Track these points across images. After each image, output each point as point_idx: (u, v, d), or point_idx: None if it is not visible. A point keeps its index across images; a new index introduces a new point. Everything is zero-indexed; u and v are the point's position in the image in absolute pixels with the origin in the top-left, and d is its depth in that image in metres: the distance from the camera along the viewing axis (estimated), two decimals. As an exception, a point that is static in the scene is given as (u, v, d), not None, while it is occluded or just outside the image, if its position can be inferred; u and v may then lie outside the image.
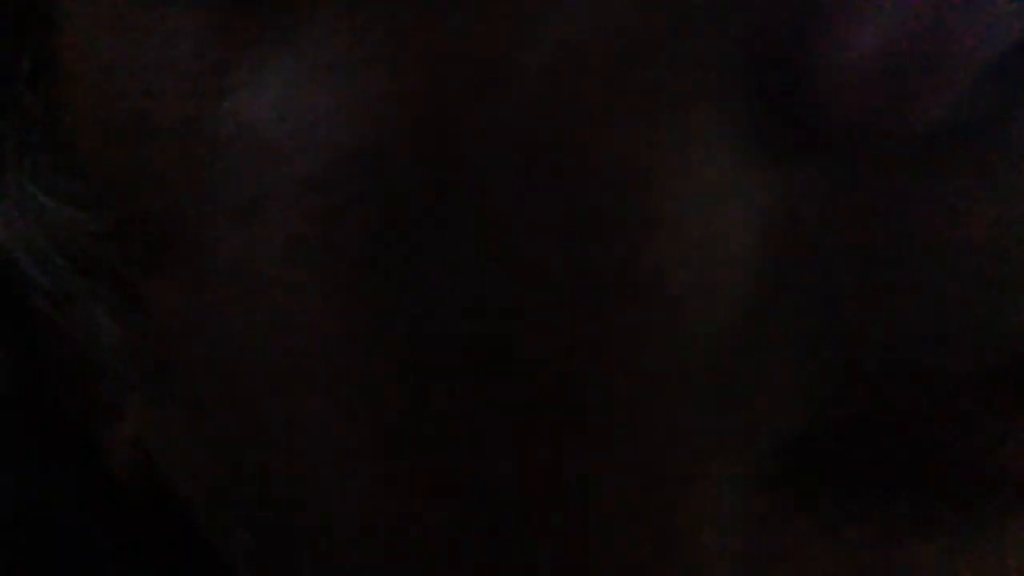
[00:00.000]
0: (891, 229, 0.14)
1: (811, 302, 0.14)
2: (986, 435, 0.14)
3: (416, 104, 0.14)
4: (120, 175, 0.15)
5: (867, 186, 0.14)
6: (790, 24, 0.14)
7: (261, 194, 0.14)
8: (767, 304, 0.14)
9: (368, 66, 0.14)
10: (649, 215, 0.14)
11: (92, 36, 0.15)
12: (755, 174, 0.14)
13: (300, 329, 0.15)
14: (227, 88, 0.14)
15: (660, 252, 0.14)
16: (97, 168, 0.16)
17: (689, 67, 0.14)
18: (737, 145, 0.14)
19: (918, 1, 0.13)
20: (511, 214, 0.14)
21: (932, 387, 0.14)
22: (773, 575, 0.14)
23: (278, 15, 0.14)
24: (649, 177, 0.14)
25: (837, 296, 0.14)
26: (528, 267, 0.14)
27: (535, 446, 0.14)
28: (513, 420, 0.14)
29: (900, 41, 0.13)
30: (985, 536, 0.14)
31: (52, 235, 0.16)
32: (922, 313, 0.14)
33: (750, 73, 0.14)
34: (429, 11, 0.14)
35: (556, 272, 0.14)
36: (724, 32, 0.14)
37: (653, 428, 0.14)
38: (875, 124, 0.14)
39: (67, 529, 0.21)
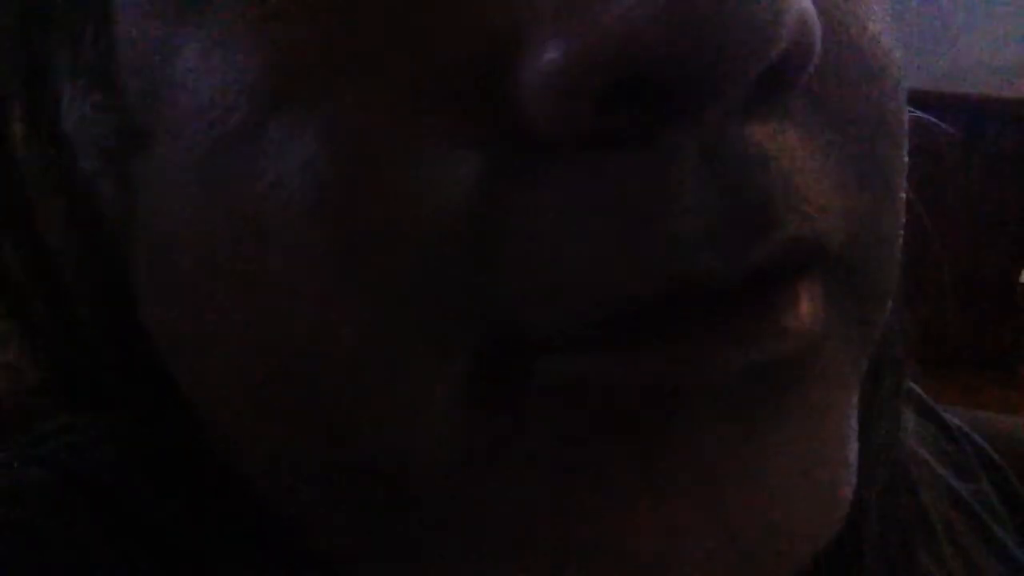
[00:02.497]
0: (557, 203, 0.17)
1: (491, 251, 0.17)
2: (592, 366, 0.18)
3: None
4: (126, 94, 0.20)
5: (548, 170, 0.17)
6: (498, 46, 0.17)
7: (173, 117, 0.19)
8: (460, 245, 0.17)
9: None
10: None
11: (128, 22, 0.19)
12: (460, 158, 0.17)
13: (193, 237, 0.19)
14: (178, 45, 0.18)
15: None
16: (119, 89, 0.20)
17: None
18: (444, 139, 0.17)
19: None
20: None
21: (545, 337, 0.18)
22: (477, 468, 0.18)
23: None
24: None
25: (495, 265, 0.17)
26: None
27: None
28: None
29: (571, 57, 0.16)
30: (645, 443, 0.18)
31: (86, 132, 0.21)
32: (536, 279, 0.17)
33: (464, 85, 0.17)
34: None
35: None
36: None
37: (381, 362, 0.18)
38: (553, 125, 0.16)
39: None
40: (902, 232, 0.22)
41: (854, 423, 0.21)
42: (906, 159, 0.21)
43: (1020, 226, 2.48)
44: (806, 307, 0.19)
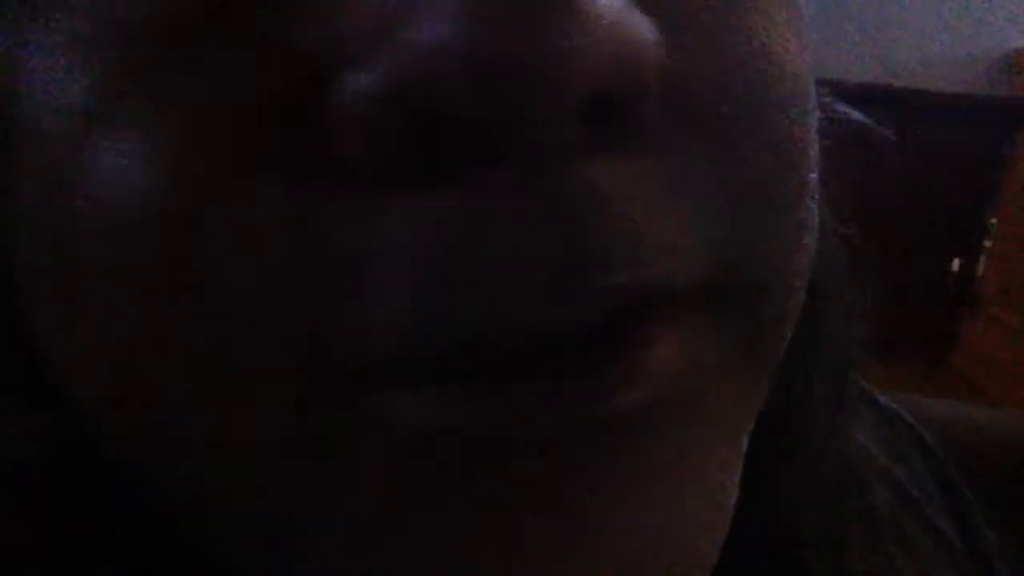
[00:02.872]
0: (371, 238, 0.16)
1: (312, 281, 0.16)
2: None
3: None
4: None
5: (358, 204, 0.16)
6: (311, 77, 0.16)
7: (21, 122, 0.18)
8: (281, 274, 0.16)
9: None
10: None
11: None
12: (277, 178, 0.16)
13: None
14: (25, 43, 0.18)
15: None
16: None
17: None
18: (262, 173, 0.16)
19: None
20: None
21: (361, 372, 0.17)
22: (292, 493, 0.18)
23: None
24: None
25: (314, 303, 0.17)
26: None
27: None
28: None
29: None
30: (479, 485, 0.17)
31: None
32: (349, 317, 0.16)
33: (276, 113, 0.16)
34: None
35: None
36: None
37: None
38: (360, 159, 0.16)
39: None
40: (804, 250, 0.20)
41: (734, 465, 0.20)
42: (807, 174, 0.20)
43: (953, 218, 2.53)
44: (660, 350, 0.17)
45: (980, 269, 2.61)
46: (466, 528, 0.17)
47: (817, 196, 0.21)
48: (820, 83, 0.22)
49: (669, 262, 0.17)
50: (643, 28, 0.16)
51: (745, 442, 0.20)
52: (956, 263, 2.60)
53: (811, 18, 0.21)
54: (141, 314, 0.17)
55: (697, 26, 0.18)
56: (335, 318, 0.16)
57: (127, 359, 0.18)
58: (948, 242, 2.57)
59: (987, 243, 2.60)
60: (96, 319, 0.18)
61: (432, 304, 0.16)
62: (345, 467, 0.17)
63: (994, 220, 2.56)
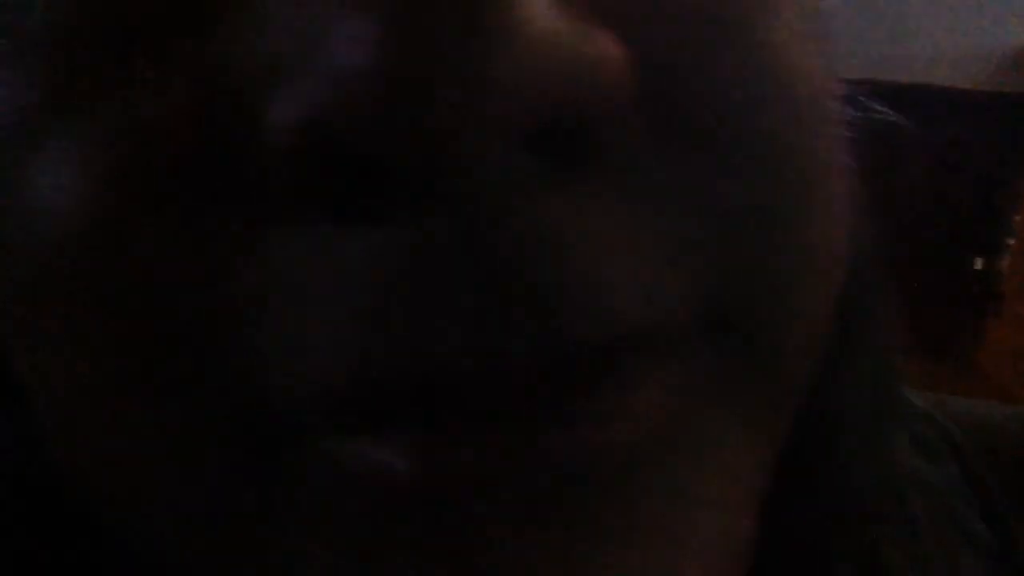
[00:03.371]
0: (298, 277, 0.15)
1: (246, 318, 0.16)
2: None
3: None
4: None
5: (284, 240, 0.16)
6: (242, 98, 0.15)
7: None
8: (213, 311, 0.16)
9: None
10: None
11: None
12: (201, 205, 0.16)
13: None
14: None
15: None
16: None
17: None
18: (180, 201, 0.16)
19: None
20: None
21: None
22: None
23: None
24: None
25: (242, 341, 0.16)
26: None
27: None
28: None
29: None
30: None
31: None
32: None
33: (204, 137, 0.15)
34: None
35: None
36: None
37: None
38: (281, 198, 0.15)
39: None
40: (822, 273, 0.19)
41: (742, 504, 0.18)
42: (823, 188, 0.18)
43: (974, 215, 2.50)
44: (642, 391, 0.16)
45: (1004, 267, 2.59)
46: None
47: (842, 208, 0.19)
48: (843, 80, 0.20)
49: (640, 304, 0.15)
50: (598, 46, 0.14)
51: (761, 478, 0.19)
52: (979, 262, 2.57)
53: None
54: (71, 337, 0.17)
55: (679, 31, 0.16)
56: (259, 357, 0.16)
57: (62, 382, 0.18)
58: (971, 241, 2.54)
59: (1010, 241, 2.58)
60: (36, 339, 0.18)
61: (357, 347, 0.15)
62: (289, 513, 0.17)
63: (1018, 218, 2.54)
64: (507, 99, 0.14)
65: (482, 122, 0.14)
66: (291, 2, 0.15)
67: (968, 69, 2.52)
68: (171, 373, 0.16)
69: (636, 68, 0.15)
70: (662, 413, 0.16)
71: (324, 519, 0.16)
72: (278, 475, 0.16)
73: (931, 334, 2.35)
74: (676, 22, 0.16)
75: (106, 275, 0.16)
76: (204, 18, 0.15)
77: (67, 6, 0.16)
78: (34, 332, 0.18)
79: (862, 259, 0.27)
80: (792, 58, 0.17)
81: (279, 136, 0.15)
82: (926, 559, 0.30)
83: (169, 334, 0.16)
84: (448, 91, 0.13)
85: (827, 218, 0.18)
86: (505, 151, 0.14)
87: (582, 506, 0.16)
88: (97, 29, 0.16)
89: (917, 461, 0.33)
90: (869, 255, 0.28)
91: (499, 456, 0.15)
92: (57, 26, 0.16)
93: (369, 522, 0.16)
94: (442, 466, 0.15)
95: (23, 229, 0.17)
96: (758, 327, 0.17)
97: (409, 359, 0.15)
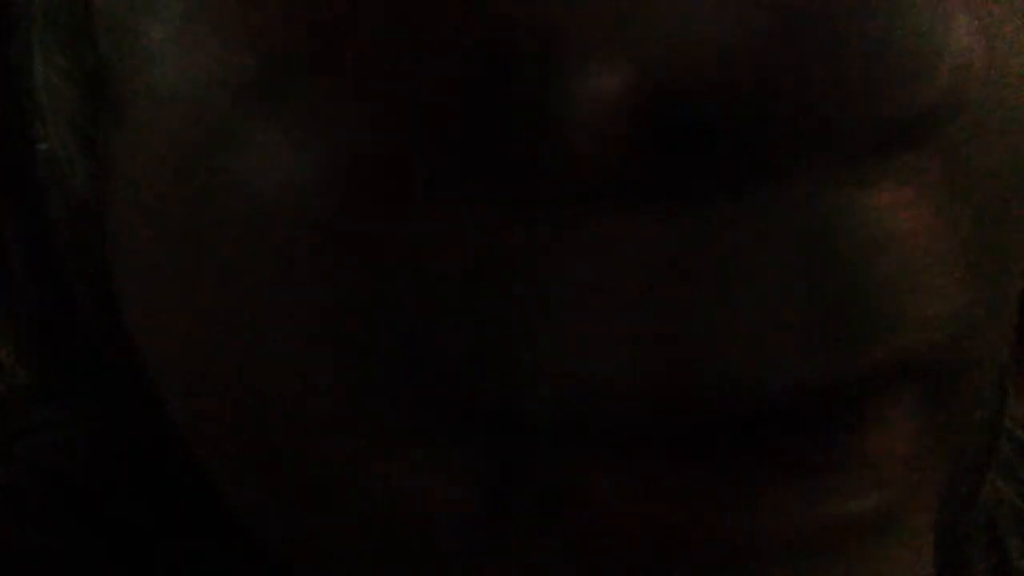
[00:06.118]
0: (590, 278, 0.13)
1: (510, 324, 0.14)
2: None
3: None
4: (97, 55, 0.17)
5: (583, 232, 0.13)
6: (529, 65, 0.13)
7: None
8: (474, 313, 0.14)
9: None
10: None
11: None
12: (470, 187, 0.14)
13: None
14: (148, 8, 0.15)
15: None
16: (90, 47, 0.17)
17: None
18: (455, 188, 0.14)
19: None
20: None
21: None
22: None
23: None
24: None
25: (509, 348, 0.14)
26: None
27: None
28: None
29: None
30: None
31: (58, 107, 0.18)
32: None
33: (482, 105, 0.13)
34: None
35: None
36: None
37: None
38: (591, 172, 0.13)
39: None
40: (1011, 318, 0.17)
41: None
42: None
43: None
44: (898, 436, 0.14)
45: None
46: None
47: None
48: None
49: (930, 328, 0.14)
50: (973, 32, 0.13)
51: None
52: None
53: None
54: (283, 348, 0.15)
55: (997, 25, 0.14)
56: (527, 369, 0.14)
57: (255, 399, 0.16)
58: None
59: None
60: (223, 347, 0.16)
61: (646, 360, 0.13)
62: (532, 548, 0.15)
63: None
64: (900, 95, 0.12)
65: (851, 115, 0.12)
66: None
67: None
68: (421, 391, 0.14)
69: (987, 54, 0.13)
70: (903, 462, 0.15)
71: (571, 555, 0.15)
72: (526, 504, 0.15)
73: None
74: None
75: (346, 267, 0.14)
76: None
77: None
78: (240, 337, 0.16)
79: None
80: None
81: (590, 106, 0.12)
82: None
83: (425, 339, 0.14)
84: (843, 78, 0.12)
85: None
86: (861, 136, 0.13)
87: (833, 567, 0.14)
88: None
89: (1007, 490, 0.31)
90: None
91: (772, 506, 0.14)
92: None
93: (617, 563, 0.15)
94: (721, 512, 0.14)
95: (246, 212, 0.15)
96: (969, 373, 0.16)
97: (687, 377, 0.13)
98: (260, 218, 0.14)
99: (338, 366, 0.14)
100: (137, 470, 0.22)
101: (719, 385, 0.13)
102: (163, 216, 0.16)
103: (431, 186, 0.14)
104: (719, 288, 0.13)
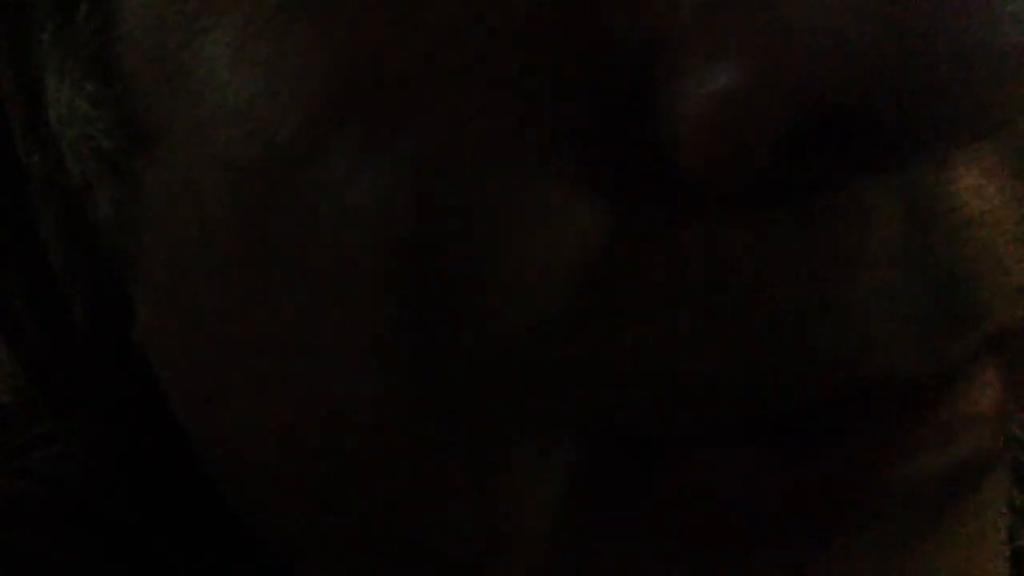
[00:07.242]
0: (698, 276, 0.14)
1: (609, 328, 0.14)
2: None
3: None
4: (129, 84, 0.16)
5: (689, 230, 0.13)
6: (636, 63, 0.13)
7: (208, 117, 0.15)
8: (572, 316, 0.14)
9: None
10: (476, 232, 0.14)
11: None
12: (582, 205, 0.14)
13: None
14: (204, 28, 0.15)
15: (485, 261, 0.14)
16: (119, 77, 0.17)
17: (511, 104, 0.13)
18: (563, 179, 0.14)
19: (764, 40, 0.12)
20: None
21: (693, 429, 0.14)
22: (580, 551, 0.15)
23: None
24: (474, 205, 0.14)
25: (631, 328, 0.14)
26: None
27: None
28: None
29: (746, 87, 0.12)
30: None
31: (77, 128, 0.17)
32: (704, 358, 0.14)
33: (590, 110, 0.13)
34: None
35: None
36: (559, 69, 0.13)
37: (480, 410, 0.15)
38: (714, 174, 0.13)
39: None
40: None
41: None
42: None
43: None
44: (988, 397, 0.15)
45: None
46: None
47: None
48: None
49: (1014, 299, 0.15)
50: None
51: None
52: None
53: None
54: (383, 361, 0.15)
55: None
56: (644, 370, 0.14)
57: (298, 411, 0.16)
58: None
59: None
60: (299, 365, 0.15)
61: (787, 359, 0.14)
62: (631, 544, 0.15)
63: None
64: (992, 95, 0.12)
65: (970, 109, 0.12)
66: None
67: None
68: (520, 391, 0.14)
69: None
70: (995, 423, 0.15)
71: (674, 538, 0.15)
72: (616, 510, 0.15)
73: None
74: None
75: (449, 283, 0.14)
76: None
77: None
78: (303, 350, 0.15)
79: None
80: None
81: (726, 105, 0.13)
82: None
83: (526, 346, 0.14)
84: (969, 67, 0.12)
85: None
86: (962, 124, 0.13)
87: (916, 529, 0.15)
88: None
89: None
90: None
91: (857, 475, 0.14)
92: None
93: (717, 548, 0.15)
94: (808, 484, 0.14)
95: (322, 238, 0.14)
96: None
97: (822, 376, 0.14)
98: (331, 237, 0.14)
99: (389, 380, 0.15)
100: (137, 478, 0.22)
101: (833, 373, 0.14)
102: (212, 240, 0.16)
103: (546, 184, 0.14)
104: (848, 276, 0.13)
